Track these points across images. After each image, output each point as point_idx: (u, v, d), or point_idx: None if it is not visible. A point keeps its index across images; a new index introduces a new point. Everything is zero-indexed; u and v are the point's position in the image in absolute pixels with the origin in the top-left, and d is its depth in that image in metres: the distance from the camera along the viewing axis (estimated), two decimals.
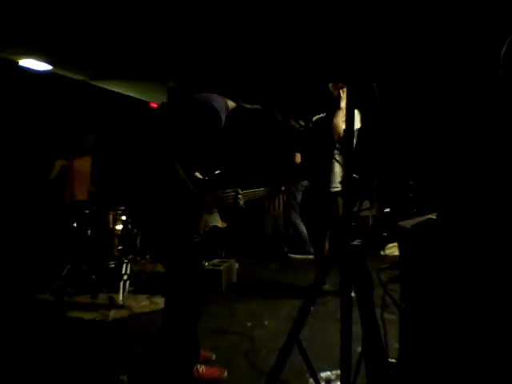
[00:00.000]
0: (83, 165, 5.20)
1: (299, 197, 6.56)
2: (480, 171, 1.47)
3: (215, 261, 5.05)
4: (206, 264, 4.93)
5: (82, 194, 5.14)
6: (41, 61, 6.15)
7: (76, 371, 2.86)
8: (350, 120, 1.71)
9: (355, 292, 1.67)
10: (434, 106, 4.18)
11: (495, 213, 1.41)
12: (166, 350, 2.61)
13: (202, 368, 2.70)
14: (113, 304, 4.00)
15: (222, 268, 4.72)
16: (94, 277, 4.25)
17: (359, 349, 1.79)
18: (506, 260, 1.39)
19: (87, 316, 3.84)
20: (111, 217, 4.41)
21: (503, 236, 1.39)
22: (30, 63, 6.16)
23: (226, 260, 5.09)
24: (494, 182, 1.42)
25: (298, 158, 6.54)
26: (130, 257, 4.38)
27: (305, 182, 6.59)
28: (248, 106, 2.79)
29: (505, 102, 1.49)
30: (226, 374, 2.75)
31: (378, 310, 1.79)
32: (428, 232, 1.65)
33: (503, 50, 1.51)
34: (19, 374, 2.84)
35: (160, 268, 4.57)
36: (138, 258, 4.59)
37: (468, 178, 1.50)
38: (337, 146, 4.03)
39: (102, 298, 4.18)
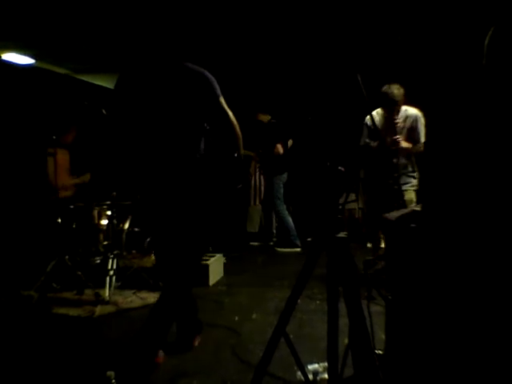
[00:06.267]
0: (64, 159, 5.11)
1: (282, 189, 6.57)
2: (464, 163, 1.47)
3: None
4: None
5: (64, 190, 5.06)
6: (23, 54, 6.07)
7: (62, 368, 2.83)
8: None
9: (342, 284, 1.67)
10: (417, 97, 4.22)
11: (480, 204, 1.41)
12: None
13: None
14: (99, 300, 3.97)
15: (209, 262, 4.71)
16: (79, 273, 4.21)
17: (346, 341, 1.79)
18: (491, 251, 1.39)
19: (73, 312, 3.81)
20: (96, 212, 4.37)
21: (488, 227, 1.40)
22: (12, 57, 6.06)
23: (213, 254, 5.08)
24: (479, 173, 1.42)
25: (280, 148, 6.54)
26: (116, 252, 4.35)
27: (285, 175, 6.61)
28: None
29: (488, 91, 1.49)
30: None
31: (364, 302, 1.80)
32: (412, 223, 1.66)
33: (487, 40, 1.51)
34: (4, 371, 2.81)
35: (147, 263, 4.55)
36: (124, 254, 4.56)
37: (452, 170, 1.50)
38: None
39: (88, 294, 4.14)
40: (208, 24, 5.18)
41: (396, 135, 4.14)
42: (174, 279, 2.79)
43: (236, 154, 2.83)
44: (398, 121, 4.15)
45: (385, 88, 4.10)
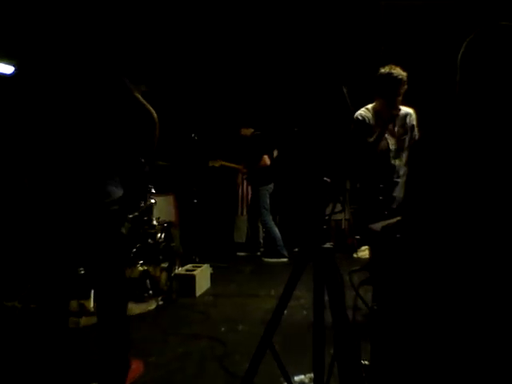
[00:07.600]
0: None
1: (268, 200, 6.61)
2: (442, 175, 1.48)
3: (188, 266, 5.02)
4: (180, 269, 4.89)
5: None
6: (9, 64, 6.04)
7: (46, 379, 2.79)
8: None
9: (328, 294, 1.68)
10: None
11: (460, 214, 1.43)
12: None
13: None
14: (84, 311, 3.93)
15: (195, 273, 4.69)
16: None
17: (332, 351, 1.80)
18: (475, 260, 1.41)
19: None
20: None
21: (471, 237, 1.41)
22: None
23: (199, 265, 5.06)
24: (457, 184, 1.44)
25: (267, 160, 6.59)
26: None
27: (272, 185, 6.65)
28: None
29: (462, 107, 1.51)
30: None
31: (350, 312, 1.80)
32: (398, 233, 1.67)
33: (460, 55, 1.51)
34: None
35: (132, 274, 4.51)
36: None
37: (431, 180, 1.52)
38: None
39: (73, 305, 4.09)
40: (192, 36, 5.21)
41: (395, 127, 3.62)
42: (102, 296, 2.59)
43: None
44: (399, 110, 3.57)
45: (385, 69, 3.46)
